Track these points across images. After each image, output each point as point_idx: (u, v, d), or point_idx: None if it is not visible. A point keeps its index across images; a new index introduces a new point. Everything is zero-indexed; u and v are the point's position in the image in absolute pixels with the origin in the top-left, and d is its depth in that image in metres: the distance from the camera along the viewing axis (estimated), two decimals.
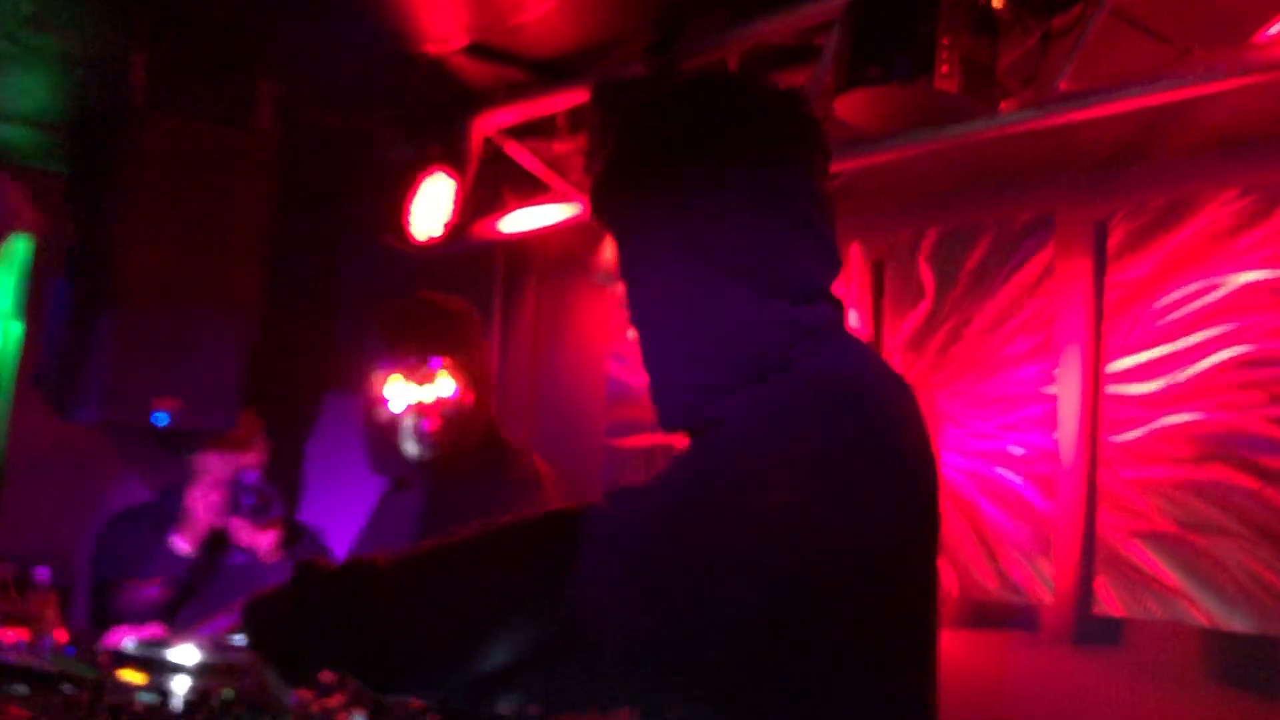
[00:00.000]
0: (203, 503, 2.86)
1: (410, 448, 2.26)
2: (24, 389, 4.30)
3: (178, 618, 2.98)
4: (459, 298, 2.45)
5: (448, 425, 2.24)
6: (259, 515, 2.91)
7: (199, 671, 1.52)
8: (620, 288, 1.29)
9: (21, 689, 1.35)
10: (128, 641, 1.64)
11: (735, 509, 1.07)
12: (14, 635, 1.72)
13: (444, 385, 2.24)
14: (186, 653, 1.56)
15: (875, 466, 1.11)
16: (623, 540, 1.07)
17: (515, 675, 1.05)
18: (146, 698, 1.34)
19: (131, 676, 1.48)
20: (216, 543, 2.99)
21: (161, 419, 3.65)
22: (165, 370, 3.63)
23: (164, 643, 1.72)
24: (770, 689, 1.09)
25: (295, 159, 3.86)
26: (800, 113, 1.26)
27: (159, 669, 1.52)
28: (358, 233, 4.65)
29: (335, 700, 1.18)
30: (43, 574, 2.66)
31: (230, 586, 3.06)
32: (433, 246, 3.85)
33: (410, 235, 3.80)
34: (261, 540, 2.95)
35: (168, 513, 3.11)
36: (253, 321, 3.77)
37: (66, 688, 1.35)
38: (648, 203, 1.22)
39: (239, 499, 2.90)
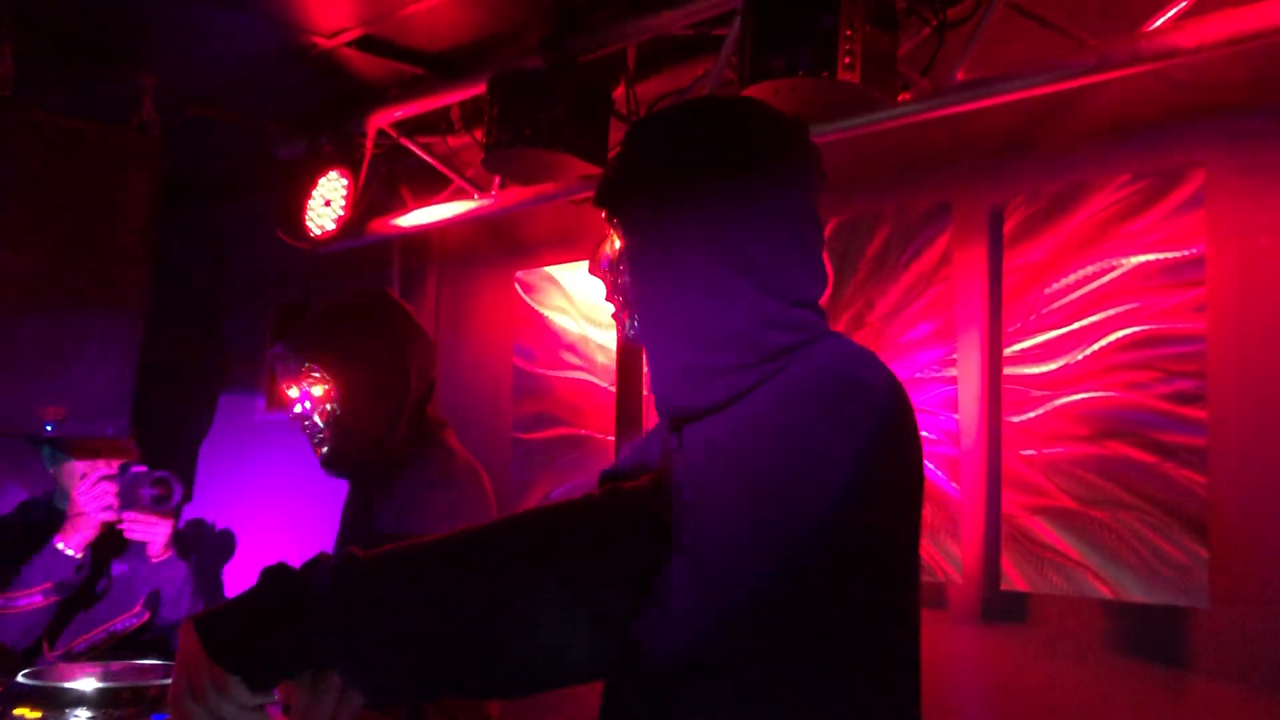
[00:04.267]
0: (94, 501, 2.74)
1: (316, 452, 2.20)
2: None
3: (68, 627, 2.87)
4: (380, 294, 2.33)
5: (333, 432, 2.16)
6: (161, 504, 2.81)
7: (101, 702, 1.45)
8: (614, 278, 1.37)
9: None
10: (21, 675, 1.56)
11: (784, 483, 1.14)
12: None
13: (318, 391, 2.17)
14: (85, 682, 1.49)
15: (897, 441, 1.22)
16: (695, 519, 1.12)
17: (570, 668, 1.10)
18: None
19: (27, 714, 1.41)
20: (100, 544, 2.88)
21: (47, 427, 3.50)
22: (48, 376, 3.49)
23: (59, 672, 1.64)
24: (823, 656, 1.17)
25: (182, 156, 3.73)
26: (806, 138, 1.41)
27: (58, 703, 1.45)
28: (250, 230, 4.54)
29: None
30: None
31: (121, 590, 2.96)
32: (327, 243, 3.77)
33: (305, 231, 3.71)
34: (158, 533, 2.85)
35: (38, 519, 2.98)
36: (140, 324, 3.64)
37: None
38: (670, 203, 1.31)
39: (136, 491, 2.80)
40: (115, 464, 2.96)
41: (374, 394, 2.17)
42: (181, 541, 3.01)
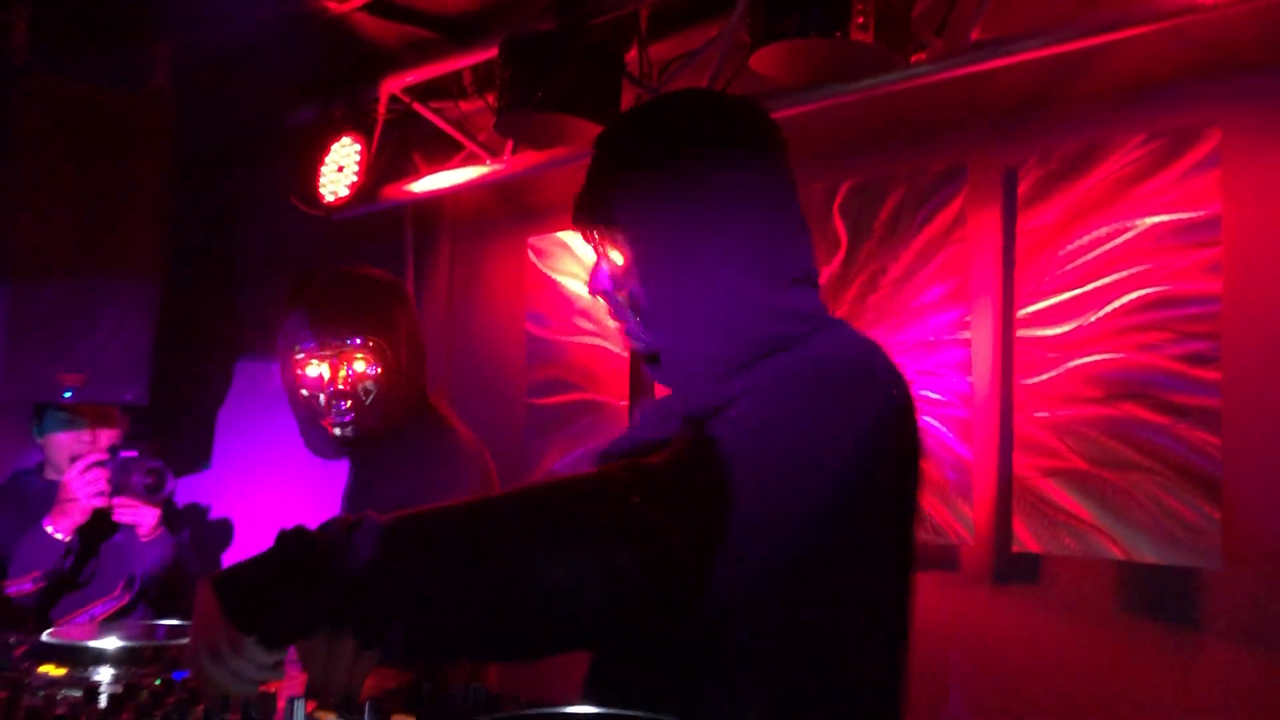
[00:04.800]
0: (86, 487, 2.76)
1: (332, 429, 2.20)
2: None
3: (53, 610, 2.88)
4: (381, 270, 2.34)
5: (368, 407, 2.17)
6: (153, 494, 2.82)
7: (123, 660, 1.47)
8: (619, 293, 1.36)
9: None
10: (45, 634, 1.58)
11: (798, 472, 1.18)
12: None
13: (362, 367, 2.17)
14: (108, 640, 1.51)
15: (899, 425, 1.29)
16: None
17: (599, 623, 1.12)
18: (70, 693, 1.30)
19: (51, 670, 1.44)
20: (87, 526, 2.90)
21: (66, 394, 3.54)
22: (67, 344, 3.52)
23: (82, 631, 1.67)
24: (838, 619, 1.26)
25: (195, 123, 3.73)
26: (765, 113, 1.42)
27: (80, 660, 1.47)
28: (265, 197, 4.54)
29: (274, 687, 1.16)
30: None
31: (107, 572, 2.97)
32: (341, 209, 3.77)
33: (319, 198, 3.72)
34: (146, 517, 2.87)
35: (27, 500, 2.99)
36: (157, 291, 3.66)
37: None
38: (673, 204, 1.31)
39: (128, 478, 2.80)
40: (106, 449, 2.96)
41: (413, 366, 2.22)
42: (172, 519, 3.02)
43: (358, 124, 3.64)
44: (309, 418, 2.22)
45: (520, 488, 1.21)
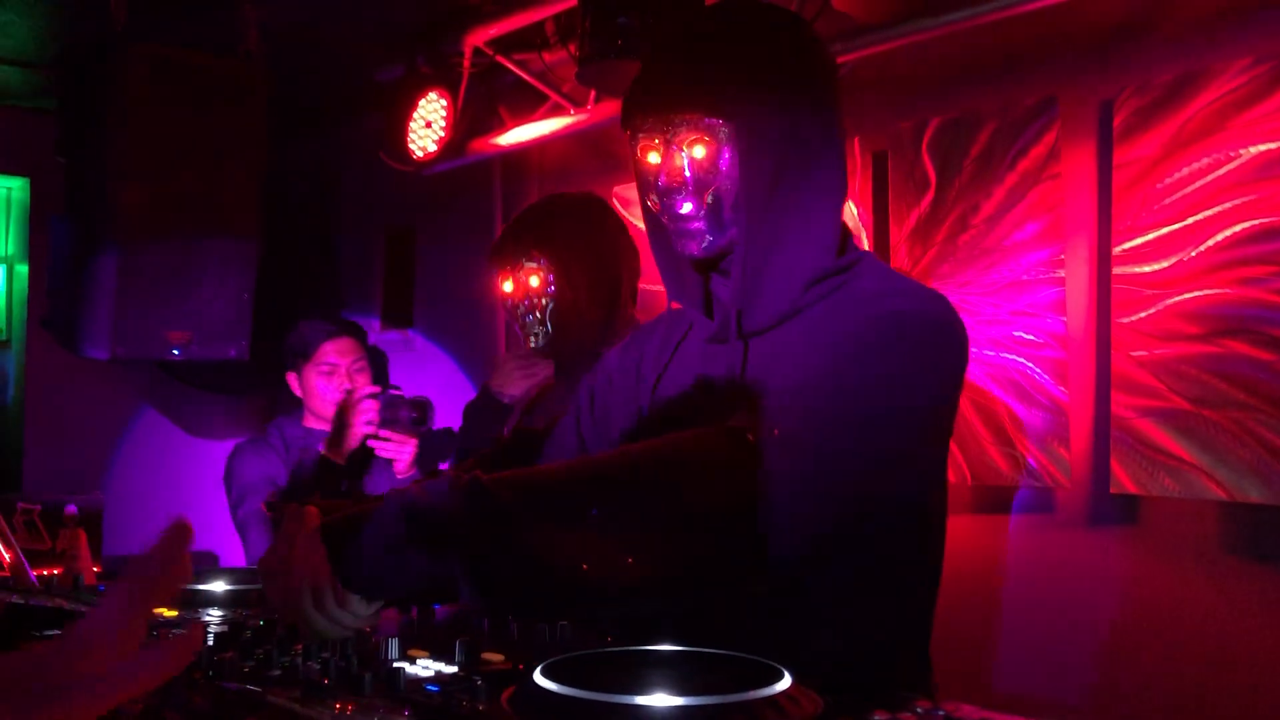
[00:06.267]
0: (359, 416, 2.88)
1: (528, 341, 2.41)
2: (35, 331, 4.32)
3: None
4: (585, 193, 2.57)
5: (547, 321, 2.35)
6: (419, 426, 2.93)
7: (229, 602, 1.54)
8: (709, 184, 1.35)
9: (55, 632, 1.38)
10: None
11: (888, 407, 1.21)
12: (46, 573, 1.75)
13: (536, 282, 2.36)
14: (216, 584, 1.58)
15: (959, 379, 1.31)
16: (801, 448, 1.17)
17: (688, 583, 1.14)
18: (179, 633, 1.37)
19: (163, 612, 1.51)
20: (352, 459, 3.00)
21: (174, 351, 3.67)
22: (172, 303, 3.64)
23: (195, 575, 1.75)
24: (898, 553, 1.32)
25: (287, 84, 3.80)
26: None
27: (189, 602, 1.54)
28: (354, 154, 4.62)
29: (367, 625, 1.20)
30: (71, 510, 2.69)
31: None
32: (430, 164, 3.82)
33: (408, 154, 3.77)
34: (405, 452, 2.96)
35: (289, 445, 3.11)
36: (256, 249, 3.76)
37: None
38: (797, 108, 1.32)
39: (397, 412, 2.91)
40: (368, 379, 3.10)
41: (589, 287, 2.34)
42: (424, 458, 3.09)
43: (444, 79, 3.67)
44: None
45: (623, 450, 1.23)
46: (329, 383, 3.13)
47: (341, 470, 2.89)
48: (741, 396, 1.28)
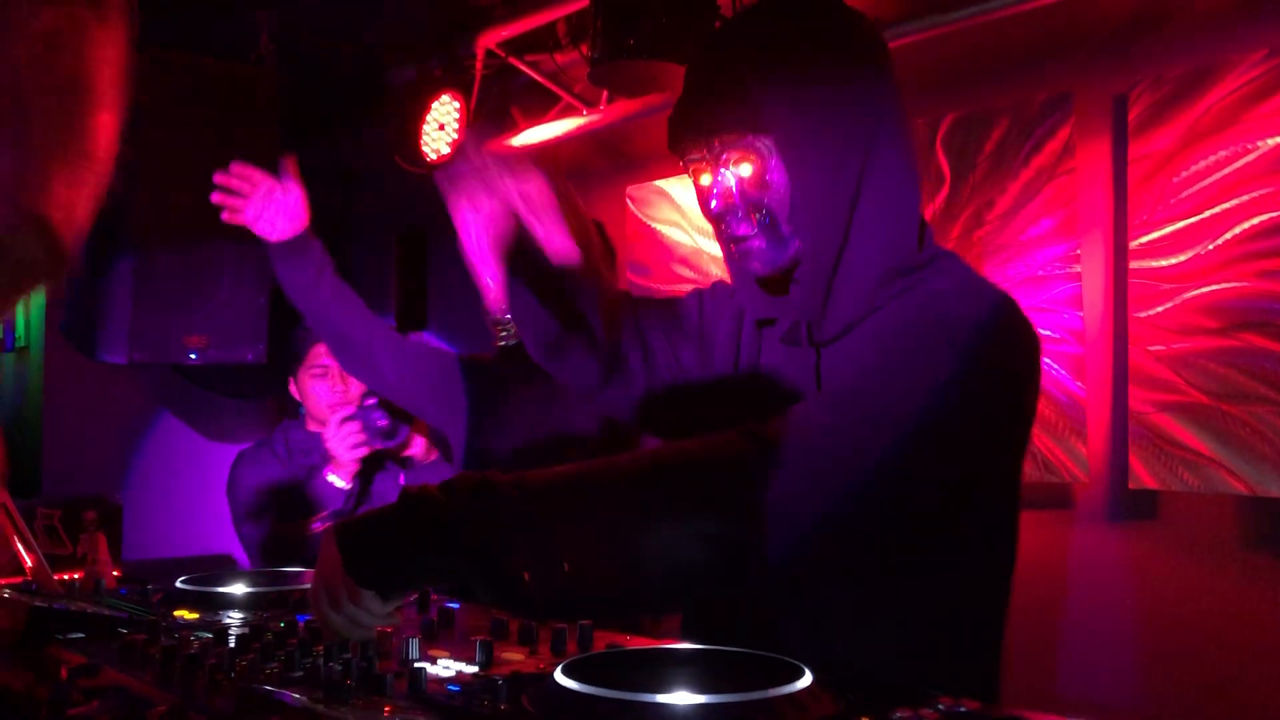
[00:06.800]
0: (343, 443, 2.86)
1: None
2: (54, 336, 4.34)
3: None
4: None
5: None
6: (388, 437, 2.91)
7: (250, 605, 1.55)
8: (758, 201, 1.29)
9: (78, 635, 1.39)
10: (179, 580, 1.67)
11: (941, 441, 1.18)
12: (68, 577, 1.76)
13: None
14: (236, 586, 1.59)
15: (1032, 385, 1.29)
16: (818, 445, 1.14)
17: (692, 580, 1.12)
18: (201, 635, 1.37)
19: (185, 614, 1.52)
20: (364, 469, 2.99)
21: (191, 355, 3.69)
22: (189, 307, 3.66)
23: (214, 578, 1.75)
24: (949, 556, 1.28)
25: (299, 88, 3.81)
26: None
27: (211, 605, 1.55)
28: (368, 157, 4.63)
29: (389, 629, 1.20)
30: (91, 515, 2.71)
31: (391, 498, 3.06)
32: (443, 166, 3.82)
33: (421, 156, 3.78)
34: (416, 445, 2.95)
35: (292, 450, 3.10)
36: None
37: (122, 631, 1.39)
38: (822, 105, 1.25)
39: (372, 424, 2.89)
40: (358, 398, 3.05)
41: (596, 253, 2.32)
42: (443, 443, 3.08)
43: (456, 81, 3.68)
44: None
45: (640, 452, 1.21)
46: (322, 385, 3.12)
47: (348, 491, 2.88)
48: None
